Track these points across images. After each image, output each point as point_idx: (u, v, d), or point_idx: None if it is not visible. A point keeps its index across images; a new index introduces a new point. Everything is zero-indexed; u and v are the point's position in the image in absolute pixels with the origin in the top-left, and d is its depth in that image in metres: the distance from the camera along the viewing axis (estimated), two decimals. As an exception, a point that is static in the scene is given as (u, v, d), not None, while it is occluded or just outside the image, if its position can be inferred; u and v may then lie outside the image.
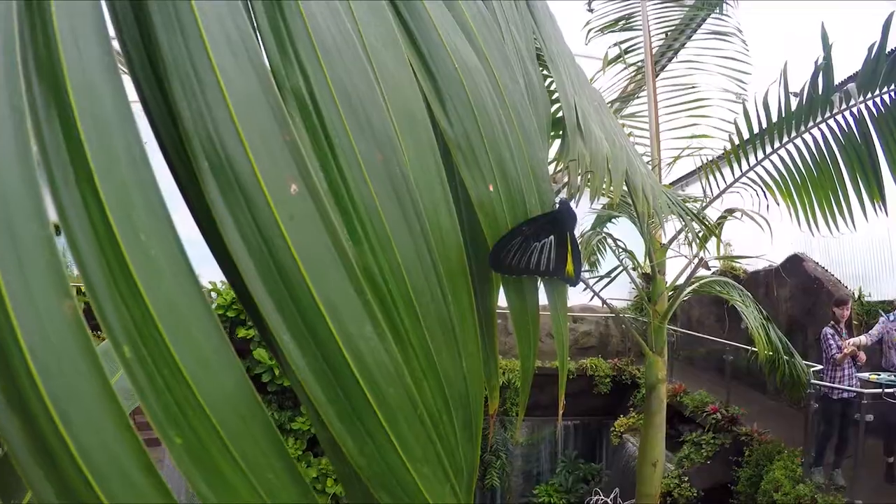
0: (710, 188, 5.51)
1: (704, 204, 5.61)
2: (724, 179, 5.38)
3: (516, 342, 0.77)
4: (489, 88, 0.73)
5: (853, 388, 6.54)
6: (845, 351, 6.52)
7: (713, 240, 5.76)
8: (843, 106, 4.17)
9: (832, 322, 6.87)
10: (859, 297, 8.99)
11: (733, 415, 9.52)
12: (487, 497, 13.63)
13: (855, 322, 8.78)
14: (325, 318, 0.46)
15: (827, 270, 9.90)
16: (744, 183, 5.22)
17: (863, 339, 6.88)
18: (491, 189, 0.70)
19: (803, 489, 6.72)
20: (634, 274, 6.71)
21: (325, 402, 0.45)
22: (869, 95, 4.03)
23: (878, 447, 6.76)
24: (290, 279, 0.46)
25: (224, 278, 0.60)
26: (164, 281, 0.42)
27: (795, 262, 10.17)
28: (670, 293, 5.81)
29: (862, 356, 6.70)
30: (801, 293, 9.79)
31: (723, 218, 5.57)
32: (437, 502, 0.48)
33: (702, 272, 5.79)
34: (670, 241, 5.67)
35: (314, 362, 0.45)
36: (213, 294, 10.04)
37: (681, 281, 5.78)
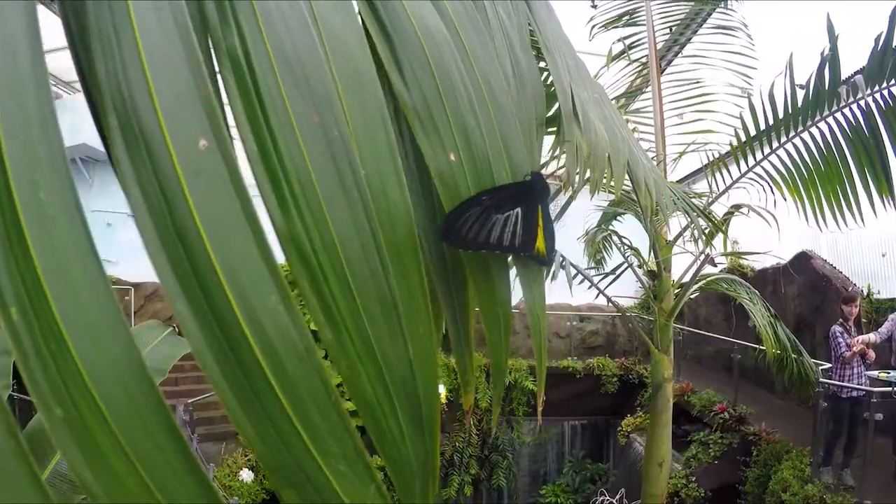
0: (716, 184, 5.44)
1: (710, 200, 5.54)
2: (730, 175, 5.31)
3: (485, 331, 0.70)
4: (454, 53, 0.67)
5: (862, 387, 6.45)
6: (854, 349, 6.42)
7: (719, 236, 5.67)
8: (850, 99, 4.08)
9: (840, 320, 6.79)
10: (868, 295, 8.88)
11: (741, 414, 9.42)
12: (494, 497, 13.57)
13: (864, 320, 8.66)
14: (223, 285, 0.41)
15: (835, 268, 9.77)
16: (750, 178, 5.15)
17: (872, 336, 6.77)
18: (452, 158, 0.64)
19: (812, 489, 6.62)
20: (640, 271, 6.66)
21: (220, 377, 0.39)
22: (876, 88, 3.94)
23: (888, 446, 6.63)
24: (189, 241, 0.41)
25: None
26: (58, 241, 0.39)
27: (803, 260, 10.05)
28: (676, 291, 5.74)
29: (871, 354, 6.61)
30: (809, 291, 9.67)
31: (729, 214, 5.48)
32: (356, 503, 0.43)
33: (708, 269, 5.73)
34: (676, 238, 5.61)
35: (210, 334, 0.40)
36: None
37: (687, 278, 5.71)
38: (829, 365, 7.05)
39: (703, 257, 5.30)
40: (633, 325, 8.71)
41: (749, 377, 10.29)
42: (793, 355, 6.31)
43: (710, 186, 5.53)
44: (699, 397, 10.52)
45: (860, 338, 6.68)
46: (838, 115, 4.23)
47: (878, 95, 3.95)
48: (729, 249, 11.85)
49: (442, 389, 11.36)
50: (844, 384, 6.61)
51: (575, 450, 14.21)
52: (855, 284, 9.38)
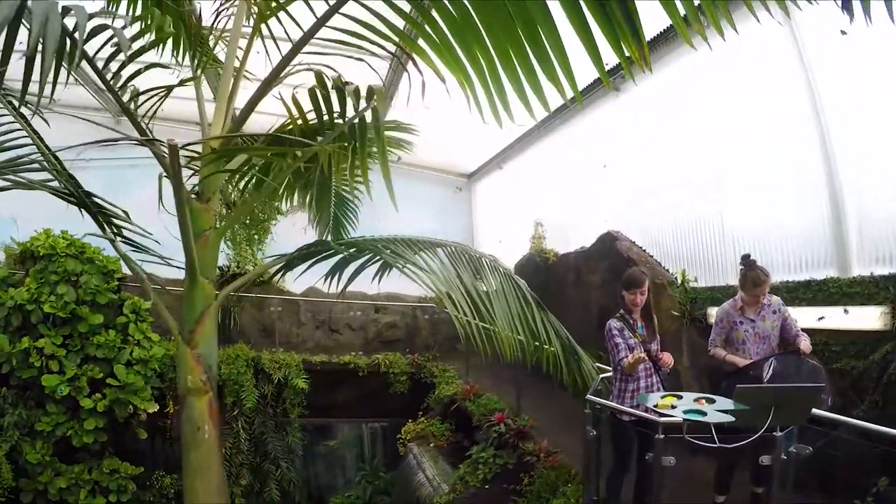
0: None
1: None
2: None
3: None
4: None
5: (638, 413, 4.39)
6: (635, 355, 4.41)
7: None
8: None
9: (620, 312, 4.80)
10: (682, 283, 7.11)
11: (521, 427, 7.45)
12: (269, 511, 11.74)
13: (675, 312, 6.89)
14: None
15: (644, 250, 8.04)
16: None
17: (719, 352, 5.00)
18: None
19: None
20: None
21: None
22: None
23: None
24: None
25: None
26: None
27: (608, 242, 8.27)
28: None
29: (666, 359, 4.65)
30: (614, 277, 7.69)
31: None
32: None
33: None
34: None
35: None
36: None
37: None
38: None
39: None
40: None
41: (542, 380, 8.29)
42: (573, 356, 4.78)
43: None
44: (478, 403, 8.50)
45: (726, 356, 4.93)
46: None
47: None
48: (532, 233, 10.16)
49: None
50: (614, 405, 4.66)
51: (369, 456, 12.72)
52: (667, 270, 7.64)
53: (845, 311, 5.27)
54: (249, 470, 10.71)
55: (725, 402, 3.11)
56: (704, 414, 3.04)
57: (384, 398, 11.89)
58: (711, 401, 3.17)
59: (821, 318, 5.39)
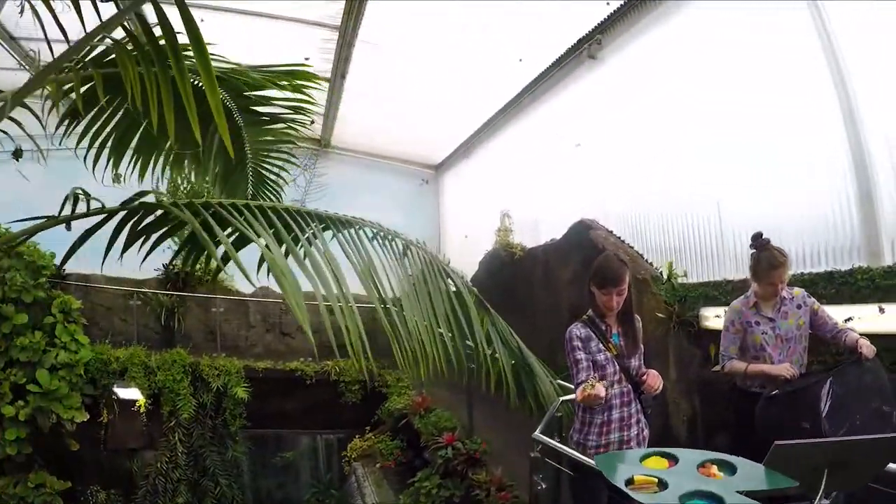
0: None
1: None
2: None
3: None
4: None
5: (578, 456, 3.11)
6: (587, 389, 2.85)
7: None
8: None
9: (588, 314, 3.37)
10: (669, 278, 5.84)
11: (472, 452, 6.16)
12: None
13: (660, 314, 5.62)
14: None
15: (622, 240, 6.78)
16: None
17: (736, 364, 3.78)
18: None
19: None
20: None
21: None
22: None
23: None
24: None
25: None
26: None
27: (581, 232, 7.02)
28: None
29: (652, 382, 3.12)
30: (587, 272, 6.50)
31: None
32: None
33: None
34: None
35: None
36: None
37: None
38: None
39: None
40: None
41: (502, 394, 7.00)
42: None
43: None
44: (426, 420, 7.21)
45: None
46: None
47: None
48: (498, 225, 8.95)
49: (138, 394, 9.41)
50: (568, 451, 3.24)
51: (327, 471, 11.56)
52: (650, 263, 6.39)
53: (881, 310, 4.04)
54: (187, 486, 9.72)
55: (750, 469, 1.77)
56: (719, 501, 1.69)
57: (336, 408, 10.78)
58: (726, 466, 1.83)
59: (848, 320, 4.14)
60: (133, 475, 9.54)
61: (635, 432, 3.18)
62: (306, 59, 8.21)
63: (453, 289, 3.41)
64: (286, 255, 2.51)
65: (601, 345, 3.19)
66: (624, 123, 7.04)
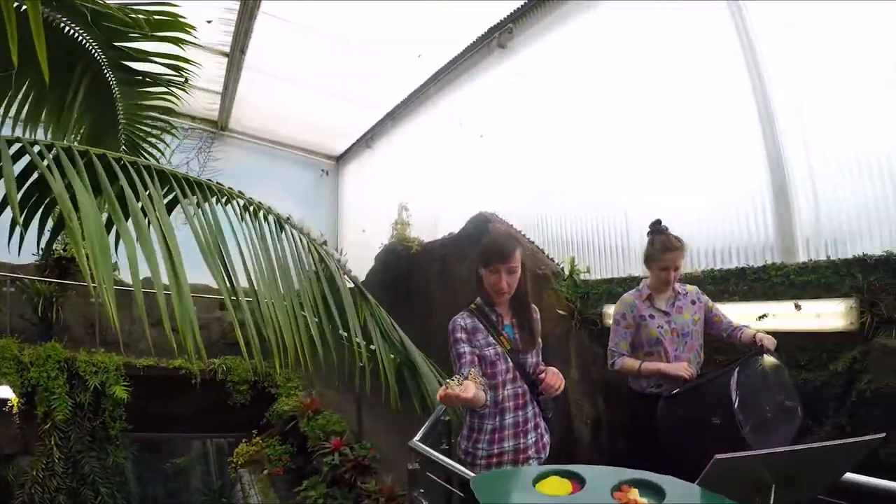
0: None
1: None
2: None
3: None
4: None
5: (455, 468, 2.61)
6: (451, 387, 2.12)
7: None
8: None
9: (476, 302, 2.83)
10: (571, 274, 5.53)
11: (360, 458, 5.65)
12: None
13: (561, 311, 5.29)
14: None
15: (523, 234, 6.45)
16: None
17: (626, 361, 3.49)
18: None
19: None
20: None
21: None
22: None
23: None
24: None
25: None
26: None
27: (480, 226, 6.65)
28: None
29: (551, 380, 2.48)
30: (484, 268, 6.13)
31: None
32: None
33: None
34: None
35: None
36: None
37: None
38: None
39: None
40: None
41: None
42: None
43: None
44: (314, 423, 6.63)
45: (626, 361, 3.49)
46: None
47: None
48: (396, 217, 8.50)
49: (9, 393, 8.34)
50: (448, 463, 2.64)
51: (219, 477, 11.17)
52: (552, 259, 6.07)
53: (797, 307, 3.82)
54: (66, 495, 8.72)
55: (682, 491, 1.32)
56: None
57: (226, 411, 9.88)
58: (650, 488, 1.35)
59: (762, 317, 3.92)
60: (9, 484, 8.43)
61: (533, 439, 2.66)
62: (208, 21, 7.52)
63: (344, 282, 2.90)
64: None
65: (491, 337, 2.65)
66: (531, 117, 6.76)
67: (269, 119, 11.62)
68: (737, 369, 2.73)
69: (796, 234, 4.13)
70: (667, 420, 3.04)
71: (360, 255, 10.70)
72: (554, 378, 2.49)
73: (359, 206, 12.56)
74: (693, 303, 3.47)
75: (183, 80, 4.29)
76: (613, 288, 5.05)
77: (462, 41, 7.77)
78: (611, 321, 4.75)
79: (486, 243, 2.83)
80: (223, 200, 2.86)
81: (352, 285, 3.15)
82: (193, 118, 11.61)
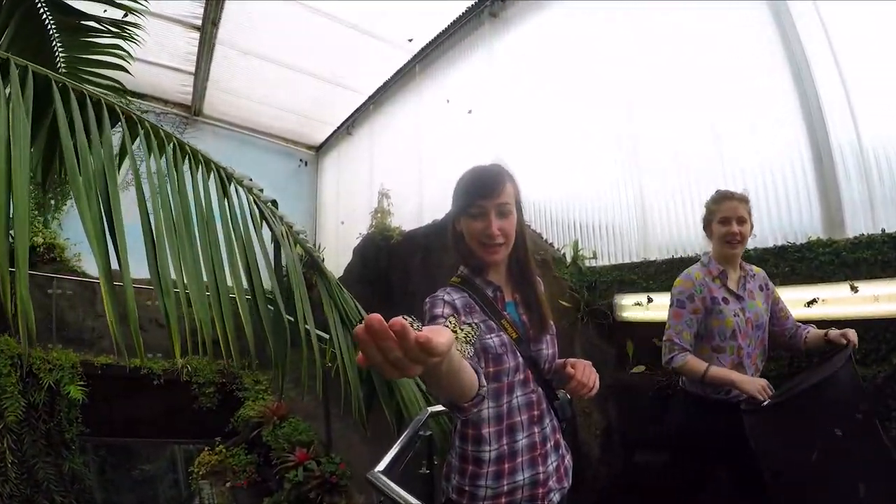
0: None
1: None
2: None
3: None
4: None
5: None
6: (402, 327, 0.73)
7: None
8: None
9: (461, 272, 1.81)
10: (575, 259, 4.83)
11: (328, 475, 4.88)
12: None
13: (565, 302, 4.54)
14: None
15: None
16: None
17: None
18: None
19: None
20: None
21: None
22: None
23: None
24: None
25: None
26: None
27: (471, 210, 5.91)
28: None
29: (583, 376, 1.63)
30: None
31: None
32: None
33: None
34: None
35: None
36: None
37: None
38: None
39: None
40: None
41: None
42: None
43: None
44: (278, 432, 5.85)
45: None
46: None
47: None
48: (376, 206, 7.82)
49: None
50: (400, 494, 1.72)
51: (187, 485, 9.69)
52: (551, 245, 5.35)
53: (853, 289, 3.13)
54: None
55: None
56: None
57: (192, 414, 9.06)
58: None
59: (811, 303, 3.24)
60: (-39, 491, 7.69)
61: (553, 464, 1.72)
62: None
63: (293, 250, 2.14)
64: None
65: (492, 321, 1.69)
66: (526, 91, 6.18)
67: (246, 104, 10.96)
68: (839, 367, 2.03)
69: (843, 205, 3.50)
70: (764, 436, 2.23)
71: (338, 250, 9.94)
72: (586, 373, 1.66)
73: (339, 198, 11.92)
74: (761, 289, 2.70)
75: (134, 26, 3.50)
76: (625, 275, 4.37)
77: (452, 12, 7.11)
78: (625, 314, 4.04)
79: (462, 178, 1.79)
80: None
81: (303, 255, 2.40)
82: (166, 102, 10.92)
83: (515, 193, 1.73)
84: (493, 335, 1.66)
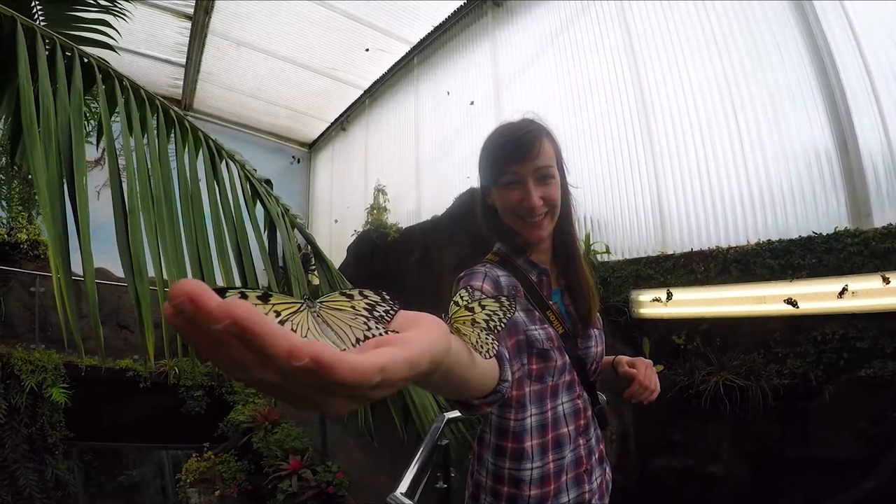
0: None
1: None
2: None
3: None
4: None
5: None
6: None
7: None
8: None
9: (497, 249, 1.44)
10: (588, 254, 4.63)
11: (325, 485, 4.62)
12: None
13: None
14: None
15: (526, 209, 5.53)
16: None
17: None
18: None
19: None
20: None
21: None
22: None
23: None
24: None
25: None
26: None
27: (470, 204, 5.68)
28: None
29: (645, 379, 1.40)
30: (476, 254, 5.15)
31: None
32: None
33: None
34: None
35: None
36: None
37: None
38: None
39: None
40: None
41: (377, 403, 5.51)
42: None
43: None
44: (270, 438, 5.59)
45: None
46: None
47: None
48: (372, 202, 7.58)
49: None
50: None
51: (175, 492, 9.29)
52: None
53: (884, 280, 2.94)
54: None
55: None
56: None
57: (180, 419, 8.76)
58: None
59: (842, 293, 3.07)
60: (-58, 497, 7.52)
61: (598, 480, 1.43)
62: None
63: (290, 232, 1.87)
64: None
65: (537, 310, 1.36)
66: (532, 81, 6.05)
67: (238, 98, 10.74)
68: None
69: (868, 192, 3.36)
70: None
71: (332, 249, 9.73)
72: (648, 374, 1.40)
73: (332, 195, 11.75)
74: None
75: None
76: (643, 270, 4.13)
77: (453, 2, 6.94)
78: (642, 310, 3.84)
79: (489, 140, 1.42)
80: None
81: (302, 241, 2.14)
82: (155, 95, 10.60)
83: (556, 152, 1.40)
84: (538, 326, 1.33)
